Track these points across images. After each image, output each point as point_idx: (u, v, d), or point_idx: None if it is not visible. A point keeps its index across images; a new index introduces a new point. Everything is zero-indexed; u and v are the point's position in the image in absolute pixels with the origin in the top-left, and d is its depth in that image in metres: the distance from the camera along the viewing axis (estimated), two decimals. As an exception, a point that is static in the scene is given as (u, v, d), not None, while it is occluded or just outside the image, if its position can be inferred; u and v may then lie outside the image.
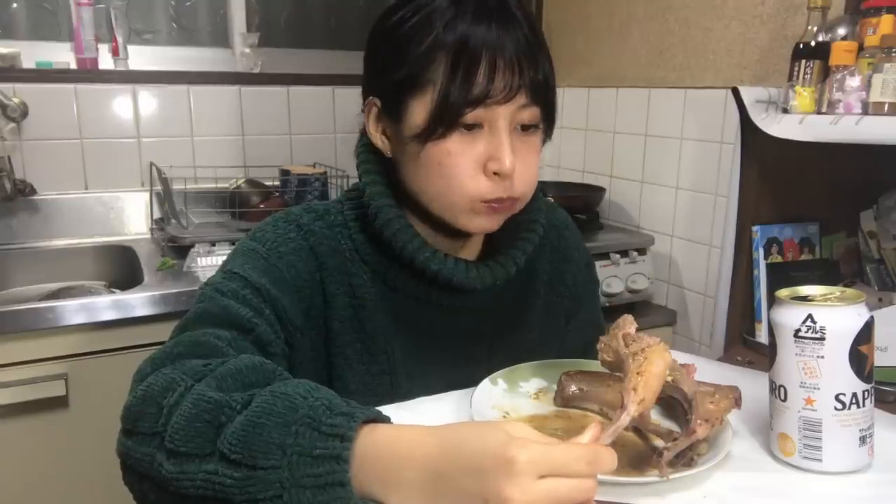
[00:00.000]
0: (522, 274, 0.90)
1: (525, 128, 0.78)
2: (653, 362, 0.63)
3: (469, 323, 0.90)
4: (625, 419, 0.60)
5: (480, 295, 0.88)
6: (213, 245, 1.62)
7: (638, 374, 0.63)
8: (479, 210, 0.78)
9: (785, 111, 1.25)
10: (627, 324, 0.71)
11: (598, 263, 1.58)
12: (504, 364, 0.87)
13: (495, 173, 0.76)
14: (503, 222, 0.83)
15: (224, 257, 1.74)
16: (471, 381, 0.84)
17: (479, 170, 0.76)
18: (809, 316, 0.68)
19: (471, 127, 0.75)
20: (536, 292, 0.96)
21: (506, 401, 0.83)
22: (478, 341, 0.91)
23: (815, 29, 1.26)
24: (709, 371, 0.87)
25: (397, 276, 0.85)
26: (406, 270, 0.84)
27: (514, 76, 0.74)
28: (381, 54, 0.80)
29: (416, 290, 0.86)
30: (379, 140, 0.83)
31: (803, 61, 1.24)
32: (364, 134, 0.85)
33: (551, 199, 1.04)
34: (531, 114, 0.77)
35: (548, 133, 0.82)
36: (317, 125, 2.13)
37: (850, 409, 0.68)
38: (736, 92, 1.31)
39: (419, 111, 0.76)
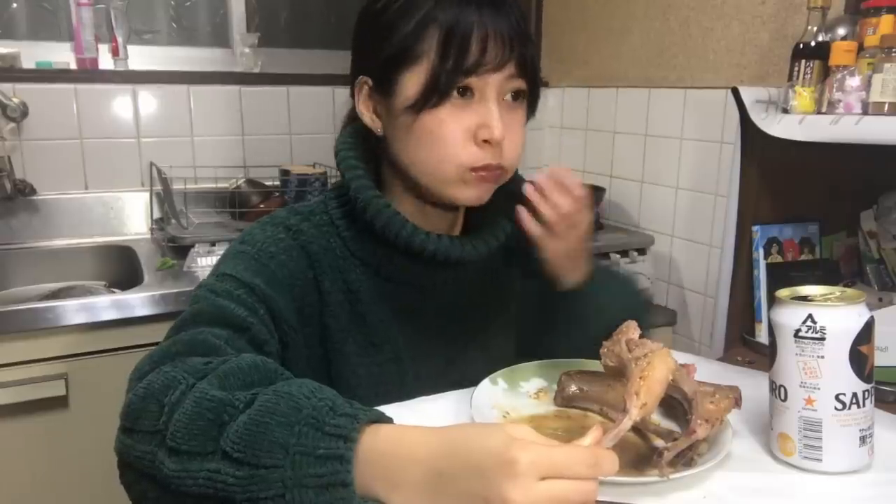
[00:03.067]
0: (503, 246, 0.93)
1: (513, 98, 0.81)
2: (656, 367, 0.63)
3: (461, 298, 0.93)
4: (627, 423, 0.60)
5: (471, 268, 0.91)
6: (213, 245, 1.62)
7: (641, 378, 0.63)
8: (468, 180, 0.80)
9: (785, 111, 1.25)
10: (631, 329, 0.72)
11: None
12: (499, 333, 0.91)
13: (485, 141, 0.78)
14: (490, 194, 0.85)
15: (224, 258, 1.70)
16: (469, 355, 0.91)
17: (469, 138, 0.79)
18: (809, 316, 0.68)
19: (464, 93, 0.78)
20: (517, 259, 0.99)
21: (506, 401, 0.83)
22: (472, 314, 0.94)
23: (815, 29, 1.26)
24: (709, 371, 0.87)
25: (390, 264, 0.87)
26: (400, 257, 0.86)
27: (505, 47, 0.77)
28: (372, 33, 0.82)
29: (411, 275, 0.88)
30: (369, 118, 0.85)
31: (803, 61, 1.24)
32: (343, 130, 0.88)
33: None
34: (519, 85, 0.81)
35: (531, 108, 0.86)
36: (317, 125, 2.13)
37: (850, 409, 0.68)
38: (736, 92, 1.31)
39: (412, 83, 0.78)
